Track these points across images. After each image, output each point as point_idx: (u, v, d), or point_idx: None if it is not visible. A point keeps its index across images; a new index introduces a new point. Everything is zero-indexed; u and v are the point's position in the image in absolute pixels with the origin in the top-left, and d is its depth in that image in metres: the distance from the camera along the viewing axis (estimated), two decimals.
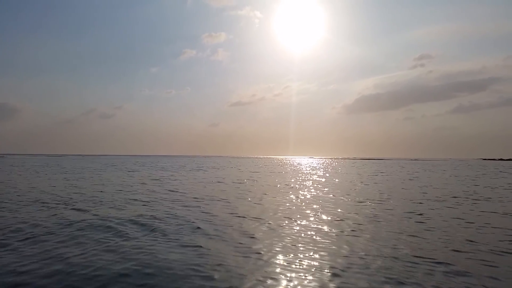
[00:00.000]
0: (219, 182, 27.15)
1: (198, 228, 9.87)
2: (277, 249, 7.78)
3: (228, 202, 15.49)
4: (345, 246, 8.02)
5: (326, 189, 21.93)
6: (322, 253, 7.48)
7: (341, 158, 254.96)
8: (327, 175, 38.75)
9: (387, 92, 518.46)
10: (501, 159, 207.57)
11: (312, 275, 6.14)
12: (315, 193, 19.23)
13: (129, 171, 42.80)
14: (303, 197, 17.34)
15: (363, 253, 7.44)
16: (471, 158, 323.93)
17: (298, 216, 12.02)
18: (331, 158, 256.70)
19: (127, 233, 9.10)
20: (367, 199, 16.80)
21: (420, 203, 15.59)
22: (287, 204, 14.83)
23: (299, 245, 8.13)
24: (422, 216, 12.27)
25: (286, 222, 10.97)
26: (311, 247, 7.93)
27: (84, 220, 10.89)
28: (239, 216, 11.86)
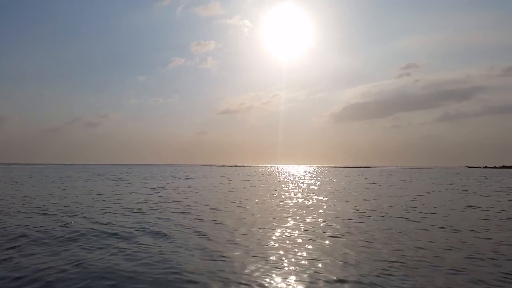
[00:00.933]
0: (209, 190, 27.34)
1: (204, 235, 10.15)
2: (259, 255, 8.12)
3: (217, 210, 15.78)
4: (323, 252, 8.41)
5: (313, 196, 22.36)
6: (301, 255, 7.86)
7: (329, 167, 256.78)
8: (312, 184, 39.19)
9: (374, 100, 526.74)
10: (486, 167, 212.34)
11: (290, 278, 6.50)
12: (297, 201, 19.64)
13: (117, 180, 42.60)
14: (284, 206, 17.71)
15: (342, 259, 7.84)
16: (457, 166, 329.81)
17: (281, 222, 12.40)
18: (319, 167, 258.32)
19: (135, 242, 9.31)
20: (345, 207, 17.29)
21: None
22: (276, 213, 15.20)
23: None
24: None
25: (277, 229, 11.32)
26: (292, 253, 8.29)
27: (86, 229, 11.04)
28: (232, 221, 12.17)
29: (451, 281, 6.32)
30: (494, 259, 7.80)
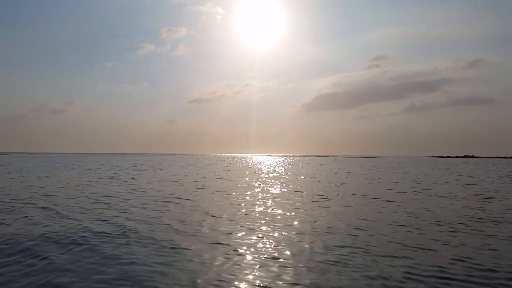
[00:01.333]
0: (178, 180, 27.03)
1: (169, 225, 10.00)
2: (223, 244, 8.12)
3: (188, 200, 15.64)
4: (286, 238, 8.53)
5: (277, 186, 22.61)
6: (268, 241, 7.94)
7: (301, 156, 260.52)
8: (277, 173, 39.62)
9: (345, 91, 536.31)
10: (449, 157, 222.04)
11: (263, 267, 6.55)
12: (264, 189, 19.82)
13: (86, 170, 41.30)
14: (251, 196, 17.82)
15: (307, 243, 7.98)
16: (422, 155, 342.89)
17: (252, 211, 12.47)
18: (290, 156, 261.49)
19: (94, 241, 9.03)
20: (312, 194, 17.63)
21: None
22: (242, 203, 15.25)
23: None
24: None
25: (246, 219, 11.36)
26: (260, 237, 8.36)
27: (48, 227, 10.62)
28: (202, 213, 12.08)
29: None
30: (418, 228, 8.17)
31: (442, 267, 6.49)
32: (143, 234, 8.97)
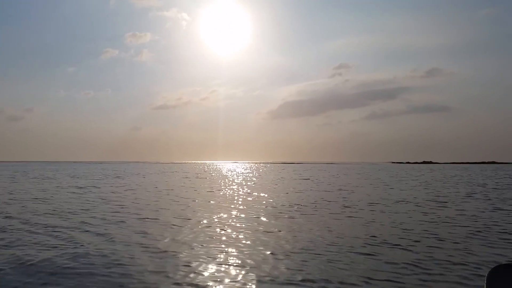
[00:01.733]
0: (142, 189, 26.56)
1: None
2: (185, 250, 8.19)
3: (146, 208, 15.46)
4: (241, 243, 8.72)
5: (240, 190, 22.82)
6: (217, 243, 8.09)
7: (267, 163, 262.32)
8: (243, 179, 39.86)
9: (309, 99, 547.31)
10: (408, 162, 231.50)
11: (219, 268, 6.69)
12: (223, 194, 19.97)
13: (44, 178, 39.50)
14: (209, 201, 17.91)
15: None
16: (382, 161, 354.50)
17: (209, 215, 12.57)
18: (257, 163, 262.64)
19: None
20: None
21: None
22: (201, 207, 15.30)
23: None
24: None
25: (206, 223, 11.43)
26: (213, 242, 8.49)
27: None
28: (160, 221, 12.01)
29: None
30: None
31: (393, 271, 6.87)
32: (100, 245, 8.81)
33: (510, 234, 10.29)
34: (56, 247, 8.64)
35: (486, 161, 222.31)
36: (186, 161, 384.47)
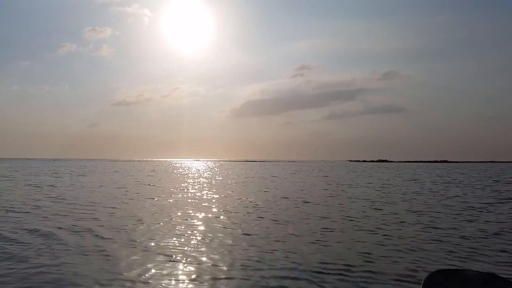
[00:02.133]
0: (101, 186, 26.21)
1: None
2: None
3: (104, 206, 15.56)
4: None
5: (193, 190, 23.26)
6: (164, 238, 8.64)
7: (230, 161, 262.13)
8: (203, 178, 40.21)
9: (272, 98, 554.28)
10: (365, 161, 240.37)
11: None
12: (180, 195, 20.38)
13: None
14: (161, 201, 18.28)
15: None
16: (340, 159, 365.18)
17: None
18: (220, 161, 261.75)
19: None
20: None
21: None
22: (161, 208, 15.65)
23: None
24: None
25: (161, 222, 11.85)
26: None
27: None
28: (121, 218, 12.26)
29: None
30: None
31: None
32: (64, 240, 9.01)
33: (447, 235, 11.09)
34: None
35: (439, 160, 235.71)
36: (147, 159, 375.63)
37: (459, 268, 3.51)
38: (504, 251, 8.26)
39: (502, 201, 18.28)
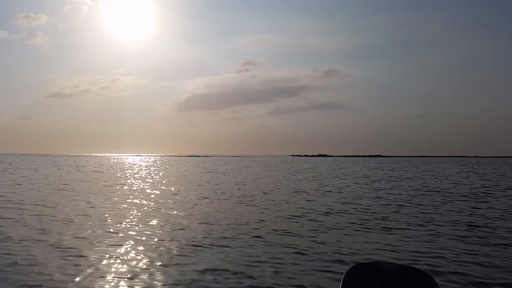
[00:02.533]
0: (32, 183, 24.50)
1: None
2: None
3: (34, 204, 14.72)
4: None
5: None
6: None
7: (173, 156, 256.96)
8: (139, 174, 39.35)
9: (217, 92, 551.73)
10: (306, 155, 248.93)
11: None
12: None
13: None
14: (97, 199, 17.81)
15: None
16: (283, 154, 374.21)
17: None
18: (162, 156, 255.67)
19: None
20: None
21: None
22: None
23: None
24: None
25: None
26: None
27: None
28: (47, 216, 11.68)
29: None
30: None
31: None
32: None
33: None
34: None
35: (373, 154, 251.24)
36: (84, 154, 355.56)
37: (379, 261, 3.72)
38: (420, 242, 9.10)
39: (426, 193, 19.99)
